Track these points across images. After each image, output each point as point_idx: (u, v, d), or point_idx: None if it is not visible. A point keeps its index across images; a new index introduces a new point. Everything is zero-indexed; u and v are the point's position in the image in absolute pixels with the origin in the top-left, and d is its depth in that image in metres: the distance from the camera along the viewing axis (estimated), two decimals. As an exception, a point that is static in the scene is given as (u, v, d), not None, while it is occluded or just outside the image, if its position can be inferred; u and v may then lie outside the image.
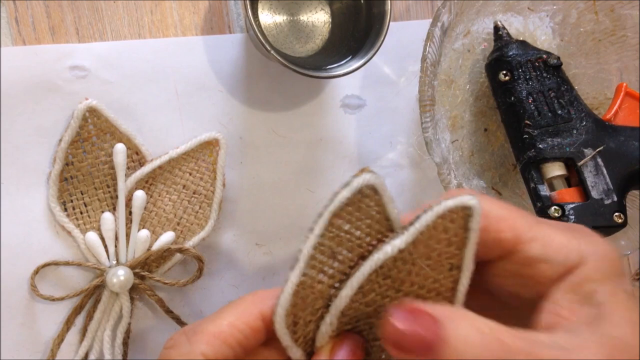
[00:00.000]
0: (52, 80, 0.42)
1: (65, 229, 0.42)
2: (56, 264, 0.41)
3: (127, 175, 0.42)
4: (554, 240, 0.30)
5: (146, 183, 0.43)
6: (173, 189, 0.43)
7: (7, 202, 0.41)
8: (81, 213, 0.42)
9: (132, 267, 0.42)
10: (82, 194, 0.42)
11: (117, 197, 0.42)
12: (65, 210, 0.42)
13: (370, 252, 0.29)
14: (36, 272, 0.41)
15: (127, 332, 0.42)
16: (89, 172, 0.42)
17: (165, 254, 0.43)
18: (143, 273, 0.42)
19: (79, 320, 0.42)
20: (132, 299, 0.42)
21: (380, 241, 0.29)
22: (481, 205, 0.29)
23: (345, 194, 0.28)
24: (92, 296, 0.42)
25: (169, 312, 0.43)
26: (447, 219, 0.28)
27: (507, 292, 0.32)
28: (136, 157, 0.43)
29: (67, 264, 0.42)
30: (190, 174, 0.44)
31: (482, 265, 0.32)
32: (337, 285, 0.29)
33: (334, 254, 0.29)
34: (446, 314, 0.27)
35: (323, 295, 0.29)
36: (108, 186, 0.43)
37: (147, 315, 0.44)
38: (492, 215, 0.30)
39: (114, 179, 0.42)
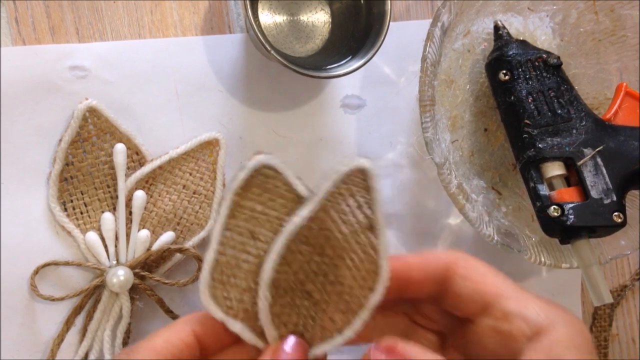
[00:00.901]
0: (52, 80, 0.42)
1: (65, 229, 0.42)
2: (56, 264, 0.41)
3: (127, 175, 0.42)
4: (529, 301, 0.33)
5: (146, 183, 0.43)
6: (173, 189, 0.43)
7: (7, 202, 0.41)
8: (81, 213, 0.42)
9: (132, 267, 0.42)
10: (82, 194, 0.42)
11: (117, 197, 0.42)
12: (65, 210, 0.42)
13: None
14: (36, 272, 0.41)
15: (127, 332, 0.43)
16: (89, 172, 0.42)
17: (165, 254, 0.43)
18: (143, 273, 0.42)
19: (79, 321, 0.42)
20: (132, 299, 0.42)
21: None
22: (469, 260, 0.34)
23: (242, 175, 0.30)
24: (92, 296, 0.42)
25: (168, 312, 0.43)
26: (350, 183, 0.31)
27: (487, 352, 0.34)
28: (136, 157, 0.43)
29: (67, 264, 0.42)
30: (190, 174, 0.44)
31: (464, 325, 0.35)
32: (257, 229, 0.32)
33: (253, 234, 0.32)
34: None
35: (254, 274, 0.32)
36: (108, 186, 0.43)
37: (147, 315, 0.44)
38: (479, 270, 0.34)
39: (114, 179, 0.42)
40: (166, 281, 0.42)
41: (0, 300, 0.41)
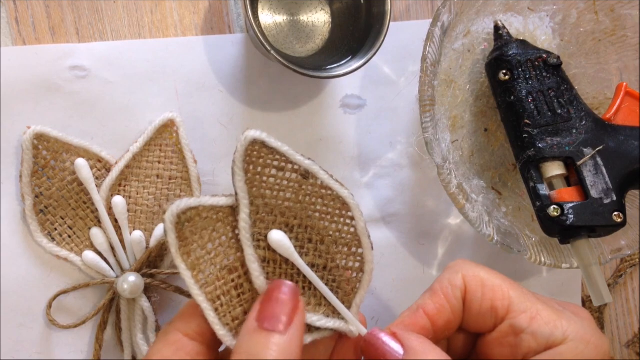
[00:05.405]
0: (52, 80, 0.42)
1: (60, 257, 0.41)
2: (65, 292, 0.41)
3: (98, 186, 0.42)
4: (543, 316, 0.33)
5: (120, 186, 0.43)
6: (148, 182, 0.43)
7: (7, 202, 0.41)
8: (69, 237, 0.42)
9: (138, 270, 0.42)
10: (62, 218, 0.42)
11: (97, 210, 0.42)
12: (53, 239, 0.41)
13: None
14: (49, 306, 0.41)
15: (157, 330, 0.43)
16: (60, 197, 0.41)
17: (165, 246, 0.43)
18: (151, 272, 0.42)
19: (107, 336, 0.43)
20: (149, 298, 0.42)
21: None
22: (479, 274, 0.34)
23: (240, 148, 0.33)
24: (110, 310, 0.42)
25: (190, 295, 0.43)
26: (255, 157, 0.33)
27: None
28: (100, 165, 0.42)
29: (75, 288, 0.41)
30: (159, 162, 0.43)
31: (475, 336, 0.36)
32: (226, 261, 0.34)
33: (208, 252, 0.33)
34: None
35: (230, 273, 0.34)
36: (84, 202, 0.42)
37: (168, 305, 0.44)
38: (488, 284, 0.34)
39: (87, 193, 0.42)
40: (175, 272, 0.42)
41: (0, 300, 0.41)
